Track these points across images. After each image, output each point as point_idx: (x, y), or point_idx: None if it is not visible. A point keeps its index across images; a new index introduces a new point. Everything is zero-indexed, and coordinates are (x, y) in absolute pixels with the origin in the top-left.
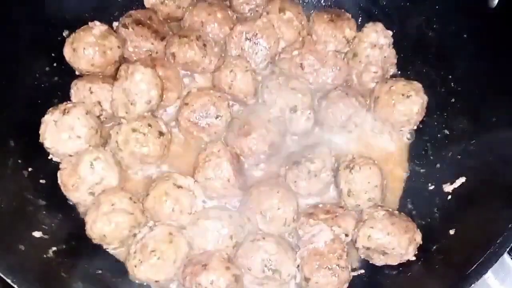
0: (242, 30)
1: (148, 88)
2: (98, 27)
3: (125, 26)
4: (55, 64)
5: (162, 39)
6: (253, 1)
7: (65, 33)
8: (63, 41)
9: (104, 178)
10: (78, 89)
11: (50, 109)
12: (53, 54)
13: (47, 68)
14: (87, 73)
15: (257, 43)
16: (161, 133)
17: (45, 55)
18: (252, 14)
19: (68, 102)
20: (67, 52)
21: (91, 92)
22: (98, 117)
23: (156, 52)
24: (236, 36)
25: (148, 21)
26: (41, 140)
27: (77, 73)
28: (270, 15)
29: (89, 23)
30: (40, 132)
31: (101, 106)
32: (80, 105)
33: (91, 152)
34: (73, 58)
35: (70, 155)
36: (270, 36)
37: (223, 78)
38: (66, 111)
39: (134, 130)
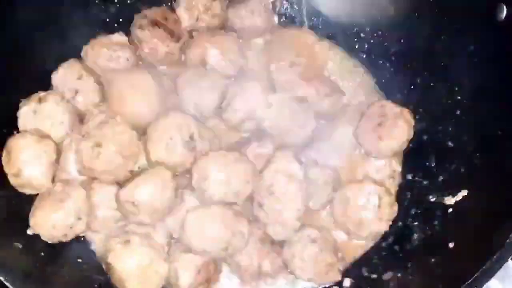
0: None
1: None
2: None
3: (141, 27)
4: None
5: (178, 40)
6: None
7: None
8: None
9: None
10: (68, 69)
11: (23, 102)
12: None
13: None
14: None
15: None
16: None
17: None
18: None
19: (39, 92)
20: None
21: (79, 79)
22: None
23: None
24: None
25: (163, 22)
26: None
27: None
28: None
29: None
30: (19, 125)
31: (75, 96)
32: (53, 92)
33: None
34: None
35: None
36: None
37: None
38: (42, 99)
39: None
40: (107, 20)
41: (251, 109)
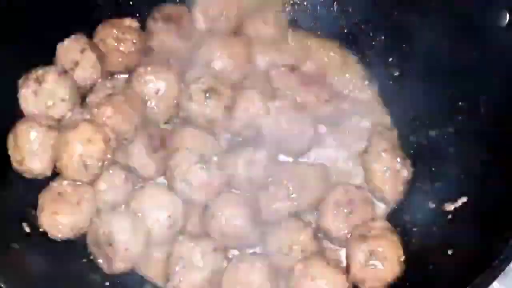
0: None
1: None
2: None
3: (154, 19)
4: None
5: (188, 38)
6: None
7: None
8: None
9: None
10: (74, 41)
11: (21, 82)
12: None
13: None
14: None
15: None
16: None
17: None
18: None
19: (36, 69)
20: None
21: (81, 52)
22: None
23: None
24: None
25: (177, 18)
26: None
27: None
28: None
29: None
30: (21, 107)
31: (74, 68)
32: (50, 69)
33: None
34: None
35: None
36: None
37: None
38: (40, 79)
39: None
40: (126, 8)
41: (251, 117)
